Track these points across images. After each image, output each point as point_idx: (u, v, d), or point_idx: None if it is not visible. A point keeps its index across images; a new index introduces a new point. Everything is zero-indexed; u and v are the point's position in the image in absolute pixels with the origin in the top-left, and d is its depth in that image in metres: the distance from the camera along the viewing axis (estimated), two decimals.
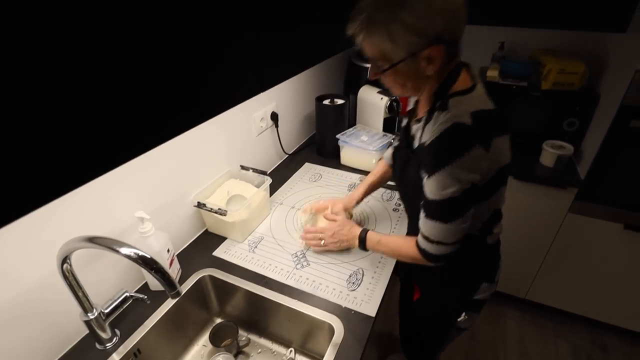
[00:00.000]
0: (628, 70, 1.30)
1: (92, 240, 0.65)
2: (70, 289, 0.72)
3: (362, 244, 0.96)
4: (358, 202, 1.14)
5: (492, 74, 1.59)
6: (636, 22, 1.31)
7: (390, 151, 1.09)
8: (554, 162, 1.53)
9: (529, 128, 1.63)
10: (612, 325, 1.75)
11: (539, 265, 1.73)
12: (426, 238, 0.78)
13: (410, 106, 1.11)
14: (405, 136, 0.89)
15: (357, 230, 0.98)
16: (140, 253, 0.66)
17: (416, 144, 0.80)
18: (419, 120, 0.82)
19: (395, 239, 0.92)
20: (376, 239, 0.94)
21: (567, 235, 1.60)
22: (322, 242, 1.02)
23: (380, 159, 1.31)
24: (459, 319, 0.97)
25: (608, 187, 1.46)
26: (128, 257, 0.65)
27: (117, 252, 0.65)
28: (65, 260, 0.68)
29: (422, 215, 0.78)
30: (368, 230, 0.97)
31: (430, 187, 0.72)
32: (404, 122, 0.93)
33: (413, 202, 0.84)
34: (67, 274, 0.69)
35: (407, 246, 0.86)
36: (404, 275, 1.13)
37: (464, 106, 0.69)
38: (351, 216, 1.15)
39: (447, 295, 0.96)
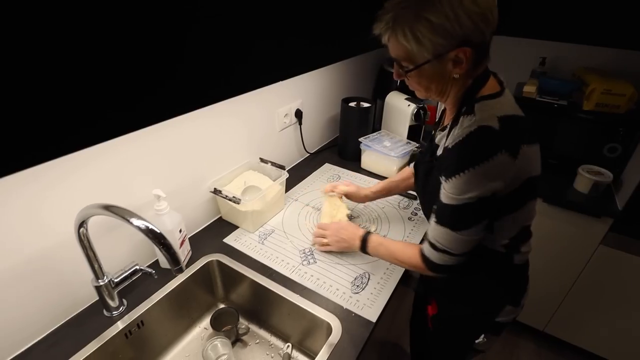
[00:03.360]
0: None
1: (108, 208, 0.69)
2: (84, 253, 0.76)
3: (364, 244, 0.92)
4: (368, 197, 1.14)
5: (529, 89, 1.52)
6: None
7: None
8: (589, 188, 1.43)
9: (565, 149, 1.54)
10: None
11: (562, 297, 1.62)
12: (432, 245, 0.76)
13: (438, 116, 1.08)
14: (430, 145, 0.87)
15: (360, 231, 0.95)
16: (150, 226, 0.68)
17: (440, 151, 0.78)
18: (444, 129, 0.80)
19: (398, 243, 0.89)
20: (378, 241, 0.91)
21: (598, 269, 1.49)
22: (325, 239, 1.01)
23: (405, 165, 1.29)
24: (477, 341, 0.92)
25: None
26: (138, 228, 0.68)
27: (129, 222, 0.67)
28: (82, 224, 0.72)
29: (432, 220, 0.75)
30: (371, 233, 0.94)
31: (448, 190, 0.69)
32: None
33: None
34: (82, 237, 0.73)
35: (410, 252, 0.83)
36: (423, 288, 1.09)
37: (491, 110, 0.67)
38: (350, 217, 1.15)
39: (468, 313, 0.91)
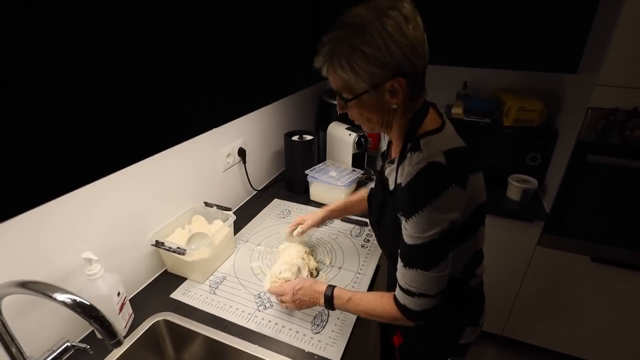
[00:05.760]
0: (581, 108, 1.37)
1: (24, 285, 0.60)
2: None
3: (329, 302, 0.85)
4: (326, 218, 1.13)
5: (457, 110, 1.66)
6: (585, 63, 1.41)
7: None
8: (519, 195, 1.57)
9: (494, 162, 1.69)
10: None
11: (512, 300, 1.71)
12: (407, 291, 0.73)
13: (383, 145, 1.08)
14: (380, 178, 0.88)
15: (321, 287, 0.86)
16: (78, 299, 0.61)
17: (391, 185, 0.79)
18: (392, 162, 0.82)
19: (368, 296, 0.83)
20: (345, 296, 0.83)
21: (538, 269, 1.61)
22: (284, 305, 0.92)
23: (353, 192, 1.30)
24: None
25: (573, 219, 1.49)
26: (64, 303, 0.60)
27: (52, 298, 0.60)
28: None
29: (400, 265, 0.73)
30: (335, 287, 0.86)
31: (410, 230, 0.69)
32: (378, 162, 0.93)
33: (393, 246, 0.78)
34: None
35: (383, 304, 0.78)
36: (384, 325, 1.08)
37: (436, 146, 0.69)
38: (310, 252, 1.13)
39: (431, 340, 0.91)
